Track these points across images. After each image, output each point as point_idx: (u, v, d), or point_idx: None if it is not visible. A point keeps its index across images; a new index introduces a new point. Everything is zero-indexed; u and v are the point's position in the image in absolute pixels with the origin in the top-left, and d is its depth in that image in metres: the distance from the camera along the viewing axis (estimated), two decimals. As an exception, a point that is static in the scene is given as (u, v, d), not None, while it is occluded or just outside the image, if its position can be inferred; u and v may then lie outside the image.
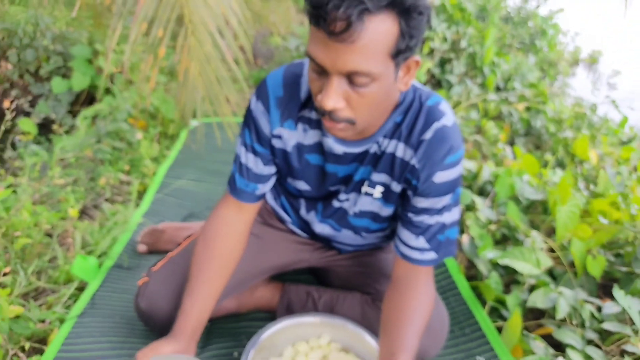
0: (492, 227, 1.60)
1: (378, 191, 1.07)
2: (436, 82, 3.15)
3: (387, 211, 1.11)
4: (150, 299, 1.21)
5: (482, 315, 1.37)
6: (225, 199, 1.15)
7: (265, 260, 1.31)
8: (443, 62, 3.17)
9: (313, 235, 1.31)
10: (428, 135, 0.97)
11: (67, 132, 3.10)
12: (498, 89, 3.01)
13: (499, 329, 1.33)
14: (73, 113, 3.85)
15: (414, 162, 0.99)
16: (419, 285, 1.05)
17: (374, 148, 1.02)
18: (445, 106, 1.01)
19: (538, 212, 1.73)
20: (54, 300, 1.46)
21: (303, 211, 1.22)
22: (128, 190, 2.14)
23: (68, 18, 4.73)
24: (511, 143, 2.67)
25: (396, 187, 1.05)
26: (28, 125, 2.58)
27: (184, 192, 2.09)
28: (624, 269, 1.54)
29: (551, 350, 1.27)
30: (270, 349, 1.15)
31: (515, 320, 1.26)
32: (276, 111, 1.04)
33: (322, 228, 1.22)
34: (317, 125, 1.03)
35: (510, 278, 1.52)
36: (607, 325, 1.32)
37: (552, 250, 1.61)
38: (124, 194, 2.14)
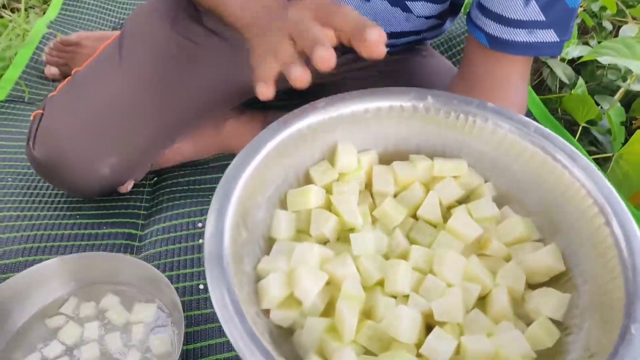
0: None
1: None
2: None
3: None
4: (47, 141, 0.76)
5: (574, 144, 0.90)
6: None
7: (242, 73, 0.79)
8: None
9: None
10: None
11: None
12: None
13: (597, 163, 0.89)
14: None
15: None
16: (509, 93, 0.64)
17: None
18: None
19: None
20: None
21: None
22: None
23: None
24: None
25: None
26: None
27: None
28: None
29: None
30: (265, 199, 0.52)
31: (636, 147, 0.80)
32: None
33: None
34: None
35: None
36: None
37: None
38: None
